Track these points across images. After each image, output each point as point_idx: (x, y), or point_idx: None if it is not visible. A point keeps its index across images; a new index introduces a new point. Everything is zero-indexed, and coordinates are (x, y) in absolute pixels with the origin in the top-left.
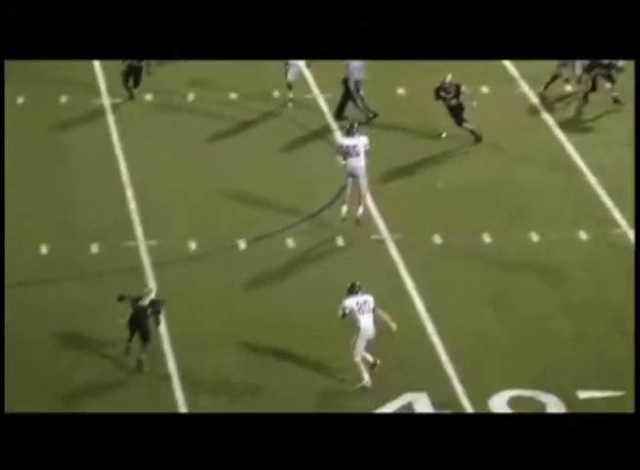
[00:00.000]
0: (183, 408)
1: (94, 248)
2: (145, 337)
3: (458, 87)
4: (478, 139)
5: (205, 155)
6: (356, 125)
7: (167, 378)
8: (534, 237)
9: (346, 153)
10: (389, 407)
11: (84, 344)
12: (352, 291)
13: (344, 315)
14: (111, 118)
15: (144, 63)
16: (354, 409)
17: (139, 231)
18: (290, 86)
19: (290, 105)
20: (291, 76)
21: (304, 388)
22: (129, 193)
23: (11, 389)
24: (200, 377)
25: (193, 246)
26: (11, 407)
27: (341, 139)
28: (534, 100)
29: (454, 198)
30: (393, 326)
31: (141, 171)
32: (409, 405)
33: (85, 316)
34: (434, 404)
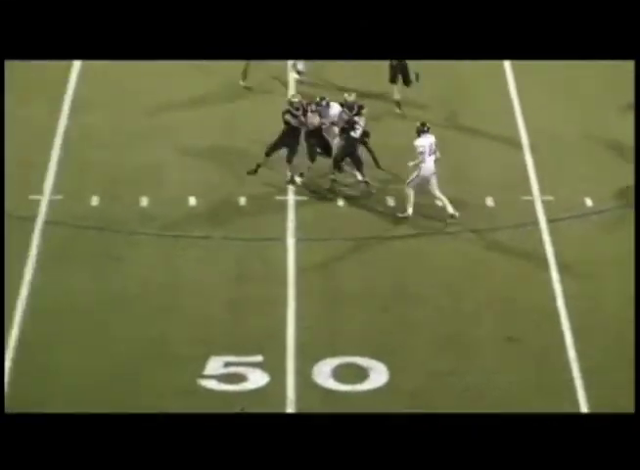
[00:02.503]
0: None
1: (489, 201)
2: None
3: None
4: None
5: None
6: None
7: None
8: None
9: None
10: None
11: (483, 296)
12: (423, 130)
13: (420, 154)
14: (509, 71)
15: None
16: None
17: (534, 186)
18: None
19: None
20: None
21: None
22: (525, 146)
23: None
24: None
25: (589, 202)
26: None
27: None
28: None
29: None
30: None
31: (536, 123)
32: None
33: (474, 269)
34: None
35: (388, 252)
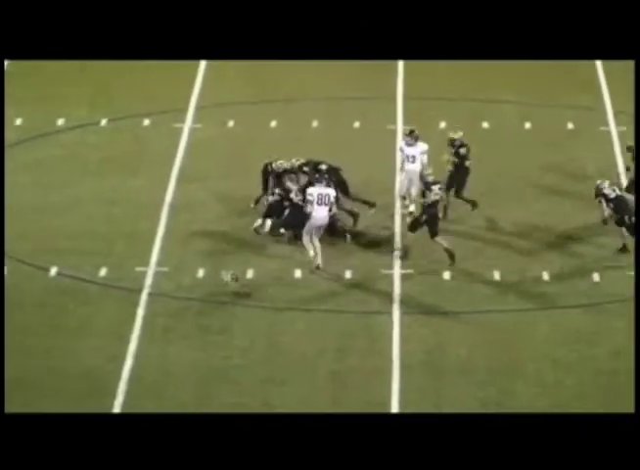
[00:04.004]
0: None
1: (595, 277)
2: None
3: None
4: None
5: None
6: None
7: None
8: None
9: None
10: None
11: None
12: (317, 179)
13: (309, 202)
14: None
15: None
16: None
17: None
18: None
19: None
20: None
21: None
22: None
23: None
24: None
25: None
26: None
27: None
28: None
29: None
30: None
31: None
32: None
33: (583, 343)
34: None
35: (493, 325)
